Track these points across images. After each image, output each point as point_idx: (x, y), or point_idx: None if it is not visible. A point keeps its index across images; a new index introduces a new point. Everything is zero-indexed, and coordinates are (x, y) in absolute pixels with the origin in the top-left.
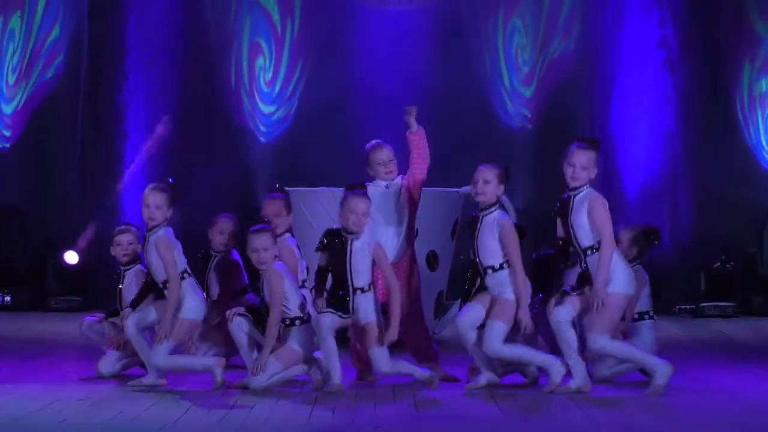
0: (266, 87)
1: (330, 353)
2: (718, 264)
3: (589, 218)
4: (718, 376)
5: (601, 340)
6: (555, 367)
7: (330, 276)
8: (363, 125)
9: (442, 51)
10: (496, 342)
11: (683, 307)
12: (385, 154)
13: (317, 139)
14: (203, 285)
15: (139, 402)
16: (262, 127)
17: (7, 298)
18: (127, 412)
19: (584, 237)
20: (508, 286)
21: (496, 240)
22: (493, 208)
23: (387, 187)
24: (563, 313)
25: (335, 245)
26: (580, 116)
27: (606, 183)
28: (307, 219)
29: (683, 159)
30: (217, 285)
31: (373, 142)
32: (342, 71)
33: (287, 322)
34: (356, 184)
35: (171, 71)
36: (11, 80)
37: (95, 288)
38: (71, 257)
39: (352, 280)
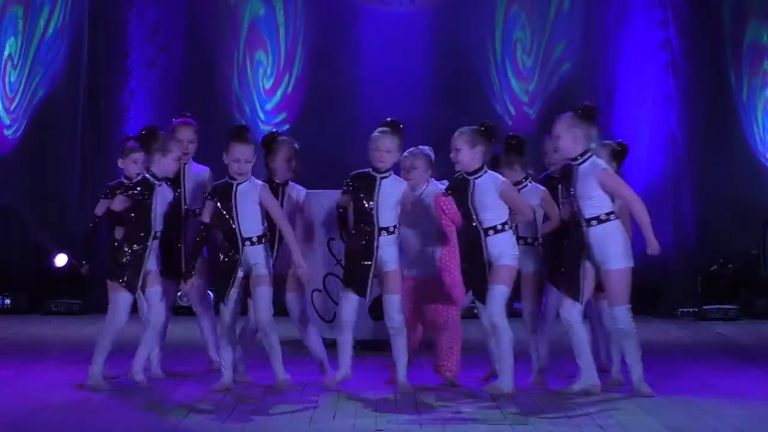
0: (267, 88)
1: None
2: (716, 267)
3: (603, 190)
4: (720, 379)
5: (624, 312)
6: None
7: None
8: (364, 126)
9: (443, 52)
10: (498, 307)
11: (686, 310)
12: (405, 161)
13: (318, 139)
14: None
15: (138, 407)
16: (263, 127)
17: (7, 301)
18: (126, 417)
19: (587, 208)
20: (510, 249)
21: (497, 199)
22: (481, 172)
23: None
24: (576, 313)
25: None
26: None
27: None
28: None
29: (686, 161)
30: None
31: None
32: (343, 73)
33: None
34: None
35: (172, 72)
36: (12, 80)
37: (95, 291)
38: (61, 260)
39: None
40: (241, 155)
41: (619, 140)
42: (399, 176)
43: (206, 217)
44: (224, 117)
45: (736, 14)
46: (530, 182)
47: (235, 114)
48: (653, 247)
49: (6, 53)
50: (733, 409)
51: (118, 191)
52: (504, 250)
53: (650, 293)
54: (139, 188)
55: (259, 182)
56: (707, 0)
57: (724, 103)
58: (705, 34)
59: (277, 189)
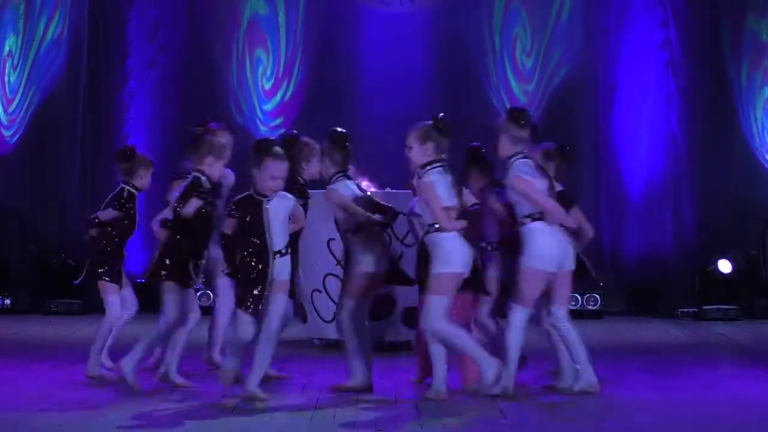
0: (267, 88)
1: None
2: (712, 268)
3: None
4: (720, 380)
5: (512, 308)
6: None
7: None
8: (364, 126)
9: (443, 52)
10: (432, 317)
11: (686, 310)
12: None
13: (317, 140)
14: None
15: (138, 407)
16: (262, 128)
17: (7, 301)
18: (126, 417)
19: (516, 212)
20: (444, 253)
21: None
22: (424, 169)
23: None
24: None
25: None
26: (582, 117)
27: (609, 185)
28: None
29: (686, 161)
30: None
31: None
32: (343, 73)
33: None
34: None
35: (171, 72)
36: (12, 81)
37: (95, 291)
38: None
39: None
40: (278, 172)
41: (561, 144)
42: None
43: (228, 230)
44: (224, 117)
45: (736, 13)
46: (492, 187)
47: (235, 114)
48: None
49: (5, 52)
50: (732, 410)
51: (195, 194)
52: (436, 255)
53: (650, 293)
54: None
55: (291, 197)
56: None
57: (724, 102)
58: (705, 34)
59: (305, 189)
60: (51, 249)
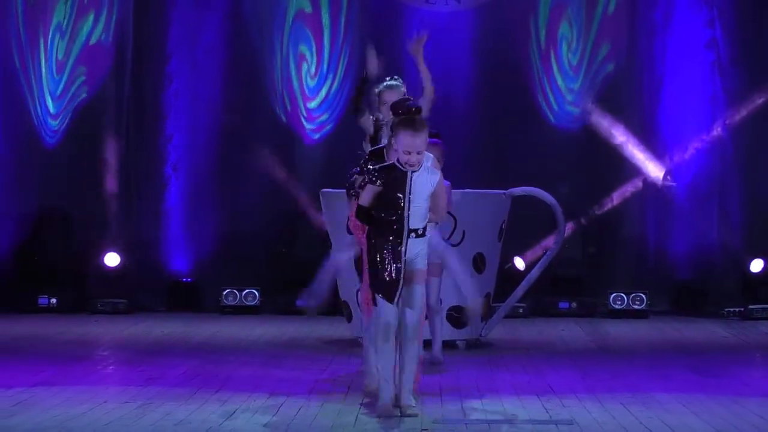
0: (311, 87)
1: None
2: (761, 270)
3: None
4: (765, 379)
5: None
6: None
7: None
8: None
9: (489, 51)
10: None
11: (732, 309)
12: None
13: (362, 140)
14: None
15: (185, 405)
16: (308, 126)
17: (53, 300)
18: (173, 415)
19: None
20: None
21: None
22: None
23: None
24: None
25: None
26: (627, 117)
27: (655, 183)
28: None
29: (732, 160)
30: None
31: None
32: (387, 72)
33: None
34: None
35: (215, 73)
36: (57, 80)
37: (140, 290)
38: (112, 259)
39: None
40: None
41: None
42: None
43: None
44: (267, 117)
45: None
46: None
47: (279, 113)
48: None
49: (52, 53)
50: None
51: None
52: None
53: (696, 293)
54: None
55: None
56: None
57: None
58: (751, 34)
59: None
60: (95, 248)
